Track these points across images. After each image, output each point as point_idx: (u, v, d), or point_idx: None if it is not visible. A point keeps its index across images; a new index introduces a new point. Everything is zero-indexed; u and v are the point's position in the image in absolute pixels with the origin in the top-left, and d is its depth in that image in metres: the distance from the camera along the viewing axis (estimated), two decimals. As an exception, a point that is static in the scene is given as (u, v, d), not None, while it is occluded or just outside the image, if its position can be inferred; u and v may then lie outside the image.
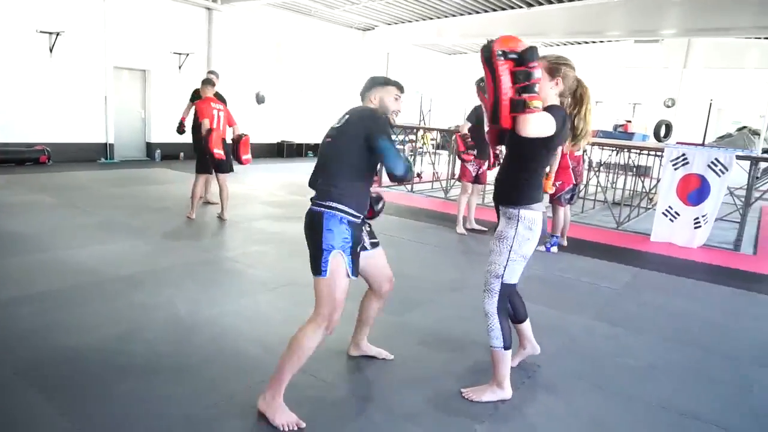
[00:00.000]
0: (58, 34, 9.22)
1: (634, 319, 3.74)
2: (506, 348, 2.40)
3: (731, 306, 4.25)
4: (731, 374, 2.98)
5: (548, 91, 2.30)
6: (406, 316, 3.50)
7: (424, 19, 13.71)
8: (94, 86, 9.99)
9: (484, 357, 2.98)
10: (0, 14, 8.60)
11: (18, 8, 8.80)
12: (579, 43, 15.77)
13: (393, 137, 2.27)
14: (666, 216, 6.33)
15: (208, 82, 5.94)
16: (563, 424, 2.37)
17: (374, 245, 2.62)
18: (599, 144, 8.01)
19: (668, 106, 14.70)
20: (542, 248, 5.36)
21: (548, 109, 2.22)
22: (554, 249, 5.54)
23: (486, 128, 2.56)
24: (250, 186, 8.52)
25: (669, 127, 10.82)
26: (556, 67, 2.31)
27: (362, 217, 2.33)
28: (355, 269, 2.26)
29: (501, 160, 5.58)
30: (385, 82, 2.46)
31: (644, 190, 8.56)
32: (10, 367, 2.52)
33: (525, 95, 2.05)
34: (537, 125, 2.11)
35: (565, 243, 5.75)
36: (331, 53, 14.51)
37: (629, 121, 11.05)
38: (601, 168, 9.40)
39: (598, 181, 8.44)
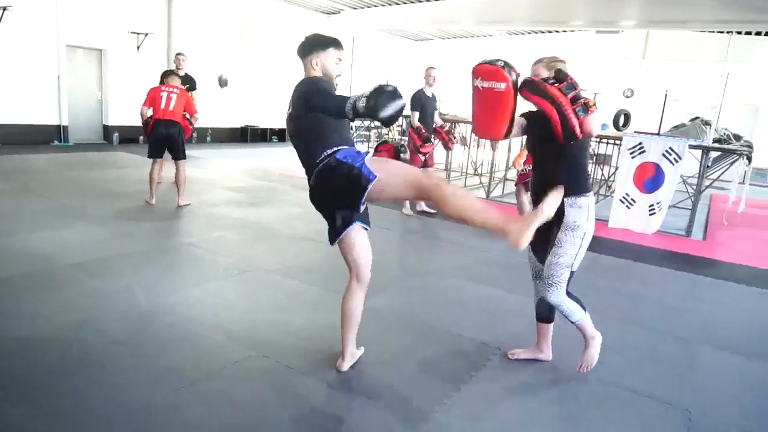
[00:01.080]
0: (4, 9, 8.75)
1: (590, 302, 3.82)
2: (585, 311, 2.57)
3: (681, 289, 4.43)
4: (680, 354, 3.12)
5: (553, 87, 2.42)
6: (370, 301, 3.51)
7: (390, 5, 13.61)
8: (45, 65, 9.55)
9: (445, 340, 3.04)
10: (-59, -14, 8.10)
11: (-39, -20, 8.31)
12: (543, 32, 15.98)
13: (328, 90, 2.23)
14: (623, 203, 6.53)
15: (171, 72, 5.98)
16: (520, 404, 2.44)
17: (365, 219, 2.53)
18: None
19: (627, 96, 15.09)
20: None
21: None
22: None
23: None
24: (212, 171, 8.35)
25: (628, 117, 11.10)
26: (554, 65, 2.46)
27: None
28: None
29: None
30: (324, 43, 2.35)
31: (603, 178, 8.80)
32: (-43, 358, 2.42)
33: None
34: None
35: None
36: (296, 36, 14.20)
37: (590, 110, 11.27)
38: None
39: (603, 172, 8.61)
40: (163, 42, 11.21)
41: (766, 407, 2.61)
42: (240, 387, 2.35)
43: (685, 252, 5.65)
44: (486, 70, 2.35)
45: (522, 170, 5.34)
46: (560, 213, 2.44)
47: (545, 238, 2.53)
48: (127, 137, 10.86)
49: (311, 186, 2.33)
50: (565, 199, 2.44)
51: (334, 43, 2.35)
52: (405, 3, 13.36)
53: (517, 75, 2.35)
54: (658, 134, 6.93)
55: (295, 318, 3.18)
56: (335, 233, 2.37)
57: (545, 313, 2.78)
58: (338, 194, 2.25)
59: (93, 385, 2.29)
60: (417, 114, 6.00)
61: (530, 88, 2.31)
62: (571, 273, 2.50)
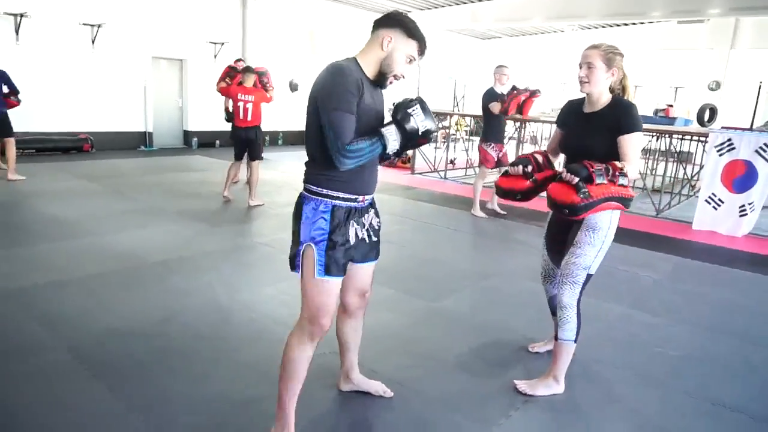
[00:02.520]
0: (99, 26, 9.47)
1: (674, 308, 3.64)
2: (575, 341, 2.38)
3: (778, 297, 4.09)
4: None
5: (605, 80, 2.28)
6: (441, 303, 3.50)
7: (458, 4, 13.50)
8: (133, 76, 10.25)
9: (516, 344, 2.97)
10: (47, 8, 8.88)
11: (62, 2, 9.07)
12: (618, 25, 15.26)
13: (343, 102, 1.72)
14: (709, 204, 6.11)
15: (248, 69, 6.19)
16: (598, 411, 2.34)
17: (374, 256, 2.08)
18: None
19: (713, 90, 14.11)
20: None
21: (630, 107, 2.26)
22: None
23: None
24: (284, 173, 8.62)
25: (713, 111, 10.40)
26: (612, 57, 2.27)
27: (358, 198, 1.88)
28: (332, 268, 1.84)
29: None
30: (411, 32, 1.85)
31: (686, 177, 8.27)
32: (63, 347, 2.63)
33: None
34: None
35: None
36: (364, 41, 14.47)
37: (670, 106, 10.65)
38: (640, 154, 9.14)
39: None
40: (238, 50, 11.71)
41: None
42: (314, 382, 2.40)
43: (781, 256, 5.21)
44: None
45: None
46: None
47: (562, 239, 2.43)
48: (205, 142, 11.44)
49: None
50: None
51: (421, 40, 1.87)
52: (472, 2, 13.22)
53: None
54: (751, 129, 6.42)
55: (365, 318, 3.20)
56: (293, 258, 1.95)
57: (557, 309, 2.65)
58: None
59: (177, 376, 2.42)
60: (497, 105, 5.96)
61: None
62: (588, 276, 2.36)
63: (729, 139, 5.95)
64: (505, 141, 6.35)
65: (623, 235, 5.60)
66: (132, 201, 5.97)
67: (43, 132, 9.10)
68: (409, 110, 1.76)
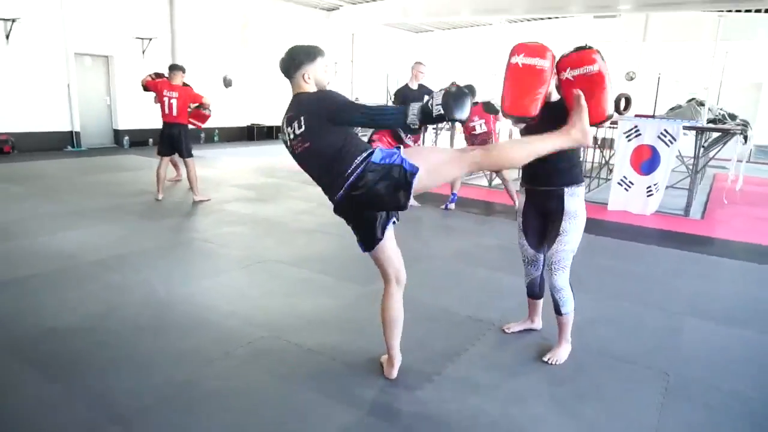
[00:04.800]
0: (13, 21, 9.03)
1: (581, 280, 4.03)
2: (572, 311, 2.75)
3: (673, 266, 4.60)
4: (664, 324, 3.30)
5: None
6: (372, 286, 3.73)
7: (389, -2, 13.75)
8: (55, 73, 9.83)
9: (441, 319, 3.24)
10: (-47, 1, 8.39)
11: (-29, -5, 8.59)
12: (543, 19, 16.03)
13: (356, 103, 2.23)
14: (621, 185, 6.68)
15: (175, 67, 6.20)
16: (510, 370, 2.64)
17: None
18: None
19: (630, 80, 15.10)
20: (443, 206, 6.42)
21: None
22: (452, 206, 6.40)
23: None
24: (221, 170, 8.59)
25: (628, 100, 11.17)
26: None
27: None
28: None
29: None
30: (311, 55, 2.24)
31: (604, 162, 8.93)
32: (2, 345, 2.67)
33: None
34: None
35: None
36: (297, 34, 14.45)
37: (590, 95, 11.36)
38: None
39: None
40: (167, 46, 11.45)
41: (738, 368, 2.79)
42: (253, 363, 2.58)
43: (681, 231, 5.80)
44: (529, 48, 2.42)
45: None
46: (560, 203, 2.60)
47: (539, 228, 2.74)
48: (136, 140, 11.14)
49: (343, 198, 2.18)
50: (565, 189, 2.59)
51: (320, 52, 2.25)
52: (403, -4, 13.50)
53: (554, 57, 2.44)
54: (653, 117, 7.05)
55: (305, 303, 3.40)
56: (374, 240, 2.34)
57: (536, 290, 2.97)
58: (385, 198, 2.13)
59: (120, 365, 2.53)
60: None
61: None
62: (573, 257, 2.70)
63: (635, 126, 6.53)
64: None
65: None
66: (61, 203, 5.84)
67: (-43, 134, 8.61)
68: (435, 95, 2.02)
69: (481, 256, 4.61)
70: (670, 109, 8.47)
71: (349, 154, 2.13)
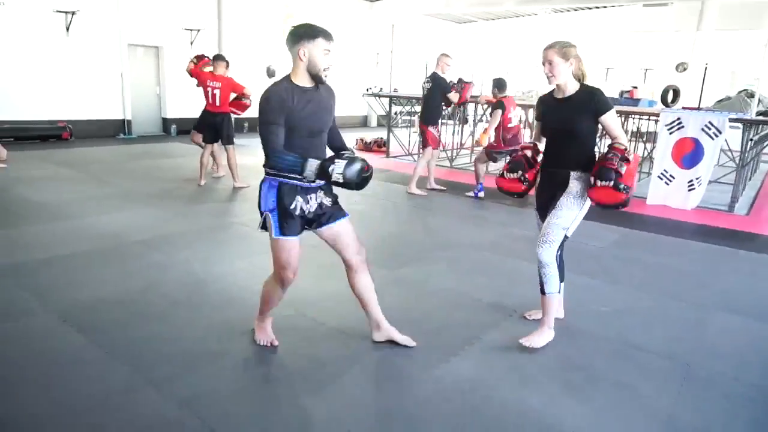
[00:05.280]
0: (73, 13, 9.53)
1: (610, 271, 4.02)
2: (559, 292, 2.77)
3: (711, 260, 4.49)
4: (691, 317, 3.26)
5: (567, 71, 2.64)
6: (400, 271, 3.83)
7: (431, -11, 13.70)
8: (110, 64, 10.33)
9: (464, 305, 3.30)
10: (18, -4, 8.92)
11: (34, -11, 9.11)
12: (590, 9, 15.59)
13: (271, 119, 2.23)
14: (661, 179, 6.51)
15: (219, 57, 6.43)
16: (527, 353, 2.69)
17: (334, 218, 2.50)
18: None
19: (683, 70, 14.54)
20: (471, 194, 6.58)
21: (598, 91, 2.64)
22: (482, 194, 6.54)
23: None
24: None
25: (677, 93, 10.77)
26: (567, 51, 2.63)
27: (307, 180, 2.23)
28: (285, 230, 2.37)
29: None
30: (312, 34, 2.26)
31: (647, 156, 8.69)
32: (53, 313, 2.91)
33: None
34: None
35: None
36: (340, 25, 14.60)
37: (635, 87, 11.03)
38: (603, 134, 9.54)
39: (599, 148, 8.58)
40: (214, 36, 11.81)
41: (764, 362, 2.75)
42: (279, 337, 2.72)
43: (723, 226, 5.62)
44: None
45: (486, 142, 6.20)
46: (564, 182, 2.70)
47: (547, 206, 2.77)
48: (183, 129, 11.55)
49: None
50: (571, 173, 2.69)
51: (324, 34, 2.27)
52: (446, -14, 13.42)
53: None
54: (698, 109, 6.81)
55: (330, 284, 3.53)
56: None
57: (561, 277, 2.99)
58: None
59: (157, 335, 2.72)
60: (456, 95, 6.58)
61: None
62: (565, 237, 2.71)
63: (678, 119, 6.34)
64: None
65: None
66: (112, 186, 6.19)
67: (21, 120, 9.19)
68: (336, 161, 2.19)
69: (509, 246, 4.63)
70: (718, 101, 8.16)
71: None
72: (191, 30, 11.38)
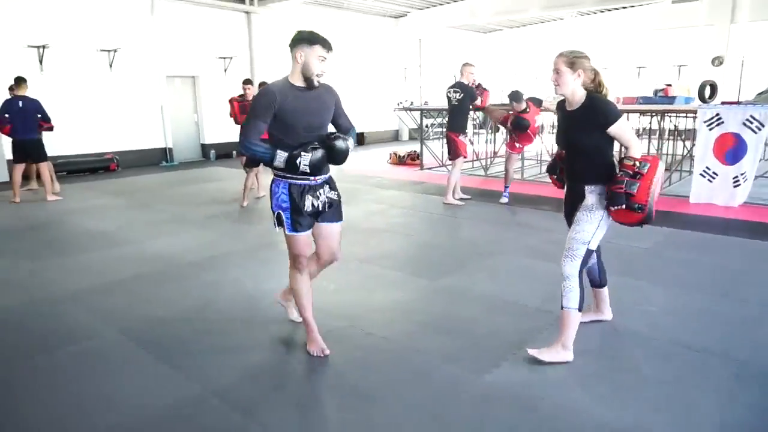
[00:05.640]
0: (115, 51, 10.05)
1: (658, 272, 3.97)
2: (579, 309, 2.62)
3: (762, 258, 4.38)
4: (742, 314, 3.20)
5: (573, 82, 2.58)
6: (441, 281, 3.89)
7: (455, 1, 13.84)
8: (150, 95, 10.82)
9: (508, 311, 3.34)
10: (67, 39, 9.47)
11: (81, 31, 9.65)
12: (617, 9, 15.43)
13: (257, 114, 2.46)
14: (704, 177, 6.38)
15: (247, 81, 6.98)
16: (576, 359, 2.70)
17: (331, 219, 2.71)
18: (636, 111, 8.06)
19: (719, 64, 14.19)
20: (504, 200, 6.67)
21: (602, 102, 2.57)
22: (505, 200, 6.67)
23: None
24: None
25: (714, 88, 10.52)
26: (576, 61, 2.58)
27: (310, 178, 2.56)
28: (297, 227, 2.60)
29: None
30: (311, 40, 2.47)
31: (687, 154, 8.50)
32: (120, 332, 3.09)
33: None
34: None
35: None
36: (367, 43, 14.88)
37: (669, 85, 10.83)
38: (641, 135, 9.40)
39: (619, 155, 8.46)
40: (246, 62, 12.22)
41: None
42: (334, 348, 2.81)
43: (773, 222, 5.47)
44: None
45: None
46: (582, 196, 2.67)
47: (571, 218, 2.77)
48: (222, 153, 11.97)
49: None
50: (586, 186, 2.66)
51: (323, 42, 2.48)
52: (470, -2, 13.53)
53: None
54: (737, 103, 6.67)
55: (377, 296, 3.62)
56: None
57: (596, 279, 3.00)
58: None
59: (217, 349, 2.86)
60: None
61: None
62: (589, 251, 2.64)
63: (717, 114, 6.22)
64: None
65: (620, 212, 5.95)
66: (159, 212, 6.47)
67: (72, 155, 9.70)
68: (302, 154, 2.46)
69: (550, 251, 4.61)
70: (759, 94, 7.95)
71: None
72: (224, 58, 11.81)
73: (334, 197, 2.72)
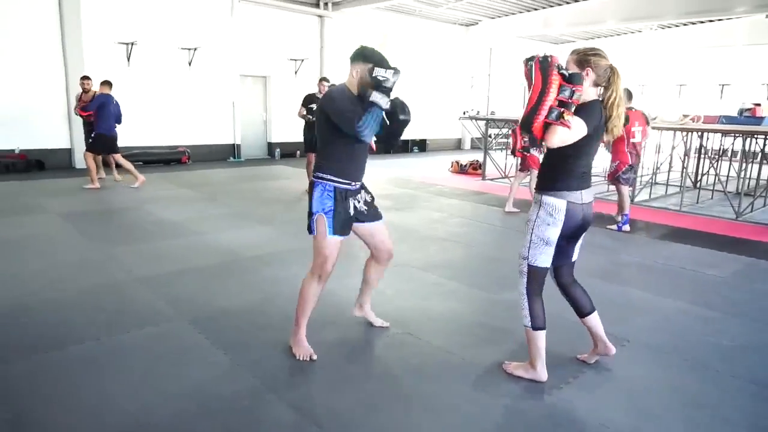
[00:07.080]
0: (195, 50, 10.53)
1: (735, 304, 3.72)
2: (534, 328, 2.50)
3: None
4: (837, 359, 2.93)
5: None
6: (501, 295, 3.80)
7: (528, 11, 13.59)
8: (224, 93, 11.26)
9: (566, 329, 3.22)
10: (152, 36, 10.03)
11: (166, 29, 10.20)
12: (702, 22, 14.66)
13: (346, 107, 2.52)
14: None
15: (322, 79, 7.15)
16: (643, 388, 2.56)
17: (373, 218, 2.82)
18: (719, 130, 7.63)
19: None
20: (614, 227, 5.93)
21: (583, 107, 2.33)
22: (626, 227, 5.88)
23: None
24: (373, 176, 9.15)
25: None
26: (584, 59, 2.38)
27: (351, 183, 2.66)
28: (338, 230, 2.65)
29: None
30: (368, 59, 2.57)
31: (772, 180, 7.94)
32: (185, 319, 3.22)
33: (562, 108, 2.22)
34: (562, 137, 2.27)
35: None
36: (435, 50, 14.86)
37: (758, 105, 10.16)
38: (722, 156, 8.88)
39: (717, 171, 7.99)
40: (316, 65, 12.50)
41: None
42: (390, 354, 2.82)
43: None
44: None
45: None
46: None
47: None
48: (287, 152, 12.28)
49: None
50: (535, 194, 2.51)
51: (378, 61, 2.56)
52: (544, 7, 13.25)
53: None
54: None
55: (435, 305, 3.59)
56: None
57: (578, 307, 2.75)
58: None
59: (275, 345, 2.91)
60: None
61: (542, 68, 2.24)
62: (532, 266, 2.50)
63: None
64: None
65: (694, 238, 5.63)
66: (226, 206, 6.70)
67: (148, 146, 10.25)
68: (380, 76, 2.49)
69: (617, 272, 4.43)
70: None
71: (323, 158, 2.69)
72: (296, 60, 12.13)
73: (369, 199, 2.83)
